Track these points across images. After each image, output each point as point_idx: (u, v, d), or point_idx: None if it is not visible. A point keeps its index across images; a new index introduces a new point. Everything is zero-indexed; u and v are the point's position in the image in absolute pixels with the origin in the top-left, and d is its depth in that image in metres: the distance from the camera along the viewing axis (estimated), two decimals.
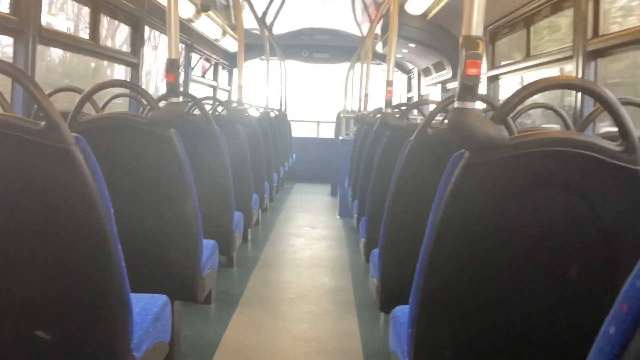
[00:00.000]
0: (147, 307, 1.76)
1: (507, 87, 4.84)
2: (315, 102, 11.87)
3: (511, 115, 3.01)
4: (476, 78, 1.24)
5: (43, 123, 1.27)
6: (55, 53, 4.47)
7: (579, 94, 3.01)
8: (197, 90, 7.31)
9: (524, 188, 1.28)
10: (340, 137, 6.93)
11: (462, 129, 1.24)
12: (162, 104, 2.23)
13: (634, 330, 0.57)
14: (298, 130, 10.06)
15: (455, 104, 1.27)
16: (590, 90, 1.26)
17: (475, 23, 1.26)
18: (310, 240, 5.12)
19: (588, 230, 1.28)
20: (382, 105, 3.67)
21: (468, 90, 1.25)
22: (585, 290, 1.29)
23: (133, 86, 2.45)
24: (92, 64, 4.71)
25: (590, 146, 1.21)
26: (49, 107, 1.27)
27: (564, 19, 3.51)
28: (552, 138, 1.23)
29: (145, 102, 3.35)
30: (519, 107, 3.21)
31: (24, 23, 2.84)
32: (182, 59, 6.23)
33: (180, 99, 2.19)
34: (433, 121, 2.20)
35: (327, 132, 10.23)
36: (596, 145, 1.22)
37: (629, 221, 1.24)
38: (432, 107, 3.39)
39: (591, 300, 1.25)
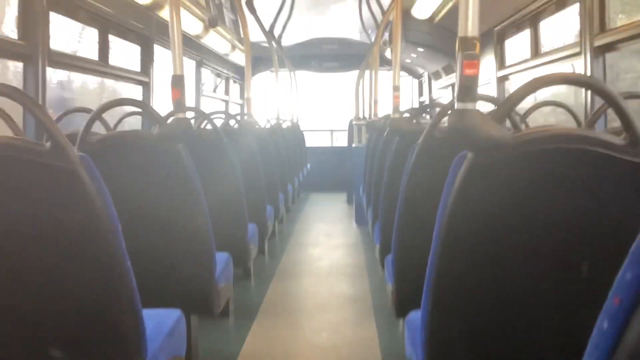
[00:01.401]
0: (160, 322, 1.77)
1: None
2: (328, 111, 11.88)
3: (522, 113, 2.99)
4: (474, 78, 1.24)
5: (48, 144, 1.30)
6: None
7: (589, 90, 2.98)
8: (211, 104, 7.37)
9: (529, 186, 1.27)
10: (353, 145, 6.93)
11: (463, 130, 1.23)
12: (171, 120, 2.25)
13: (626, 324, 0.56)
14: (312, 140, 10.08)
15: (455, 105, 1.26)
16: (591, 85, 1.25)
17: (471, 24, 1.26)
18: (327, 249, 5.11)
19: (596, 226, 1.26)
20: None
21: (467, 90, 1.24)
22: (596, 286, 1.27)
23: (140, 104, 2.48)
24: (112, 84, 4.77)
25: (592, 141, 1.20)
26: (52, 129, 1.29)
27: (571, 15, 3.48)
28: (554, 135, 1.22)
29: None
30: (529, 107, 3.19)
31: (33, 47, 2.89)
32: (193, 75, 6.29)
33: (188, 114, 2.21)
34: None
35: (342, 140, 10.23)
36: (599, 139, 1.21)
37: (636, 215, 1.23)
38: None
39: (602, 296, 1.23)
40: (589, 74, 2.89)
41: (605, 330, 0.59)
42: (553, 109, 4.09)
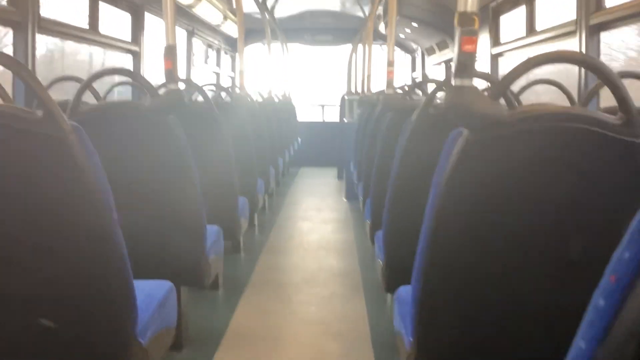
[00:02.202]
0: (151, 293, 1.77)
1: (512, 64, 4.79)
2: (320, 86, 11.82)
3: (516, 91, 2.99)
4: (472, 55, 1.23)
5: (40, 112, 1.28)
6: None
7: (583, 69, 2.98)
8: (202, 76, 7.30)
9: (524, 164, 1.27)
10: (345, 120, 6.91)
11: (459, 107, 1.23)
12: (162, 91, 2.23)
13: (623, 302, 0.56)
14: (303, 115, 10.03)
15: (452, 82, 1.26)
16: (588, 63, 1.25)
17: None
18: (316, 224, 5.13)
19: (590, 206, 1.27)
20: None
21: (464, 67, 1.24)
22: (588, 265, 1.28)
23: (131, 74, 2.44)
24: (102, 53, 4.70)
25: (588, 120, 1.20)
26: (45, 97, 1.27)
27: None
28: (550, 113, 1.22)
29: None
30: (523, 84, 3.18)
31: (23, 14, 2.83)
32: (184, 45, 6.21)
33: (180, 85, 2.18)
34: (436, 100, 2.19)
35: (333, 115, 10.20)
36: (594, 118, 1.21)
37: (631, 195, 1.23)
38: None
39: (594, 276, 1.24)
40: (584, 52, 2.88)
41: (601, 307, 0.59)
42: (545, 86, 4.09)
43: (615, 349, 0.57)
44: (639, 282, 0.55)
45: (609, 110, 1.30)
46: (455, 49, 1.24)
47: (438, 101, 2.29)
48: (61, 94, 3.55)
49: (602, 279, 0.60)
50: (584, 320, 0.62)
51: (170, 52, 2.16)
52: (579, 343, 0.63)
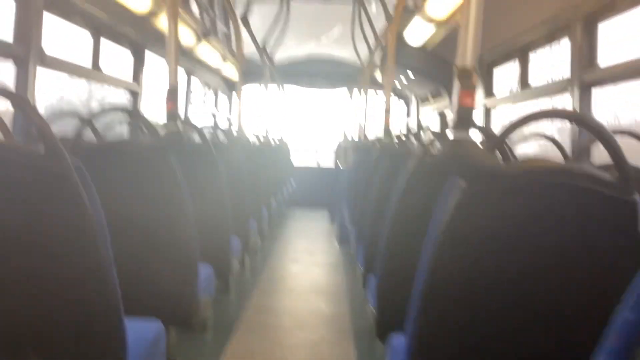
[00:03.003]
0: (142, 332, 1.75)
1: (504, 116, 4.87)
2: (315, 132, 11.91)
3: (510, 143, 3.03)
4: (470, 109, 1.26)
5: (42, 148, 1.29)
6: None
7: (581, 126, 3.03)
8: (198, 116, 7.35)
9: (519, 216, 1.29)
10: (340, 166, 6.95)
11: (457, 158, 1.26)
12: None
13: None
14: (298, 160, 10.10)
15: (451, 135, 1.29)
16: (581, 120, 1.28)
17: (470, 54, 1.28)
18: (308, 267, 5.10)
19: (583, 261, 1.28)
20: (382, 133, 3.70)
21: (463, 120, 1.27)
22: (579, 320, 1.29)
23: (133, 113, 2.47)
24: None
25: (582, 177, 1.23)
26: (48, 134, 1.29)
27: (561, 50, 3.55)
28: (545, 169, 1.25)
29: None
30: (519, 136, 3.24)
31: (26, 50, 2.87)
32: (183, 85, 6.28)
33: (180, 125, 2.21)
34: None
35: (328, 162, 10.26)
36: (588, 175, 1.23)
37: (624, 252, 1.25)
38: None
39: (584, 330, 1.25)
40: (577, 108, 2.94)
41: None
42: (536, 138, 4.15)
43: None
44: None
45: (604, 167, 1.33)
46: (454, 102, 1.27)
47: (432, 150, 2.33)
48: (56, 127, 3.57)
49: (604, 341, 0.61)
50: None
51: (172, 94, 2.20)
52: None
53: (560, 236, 1.27)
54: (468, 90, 1.25)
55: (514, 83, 4.35)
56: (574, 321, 1.28)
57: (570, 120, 1.49)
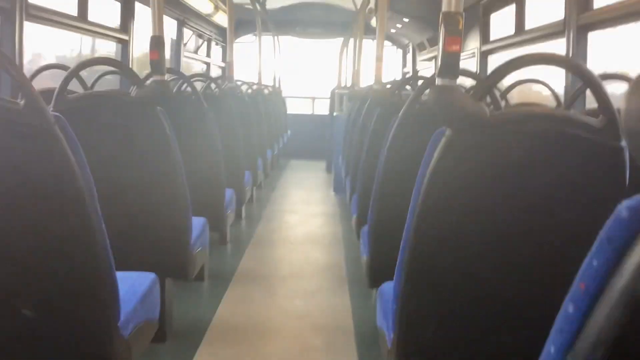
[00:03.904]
0: (134, 285, 1.77)
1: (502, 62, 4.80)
2: (310, 79, 11.77)
3: (502, 91, 3.00)
4: (456, 55, 1.24)
5: (22, 102, 1.27)
6: None
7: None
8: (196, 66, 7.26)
9: (505, 164, 1.28)
10: (335, 114, 6.90)
11: (442, 107, 1.24)
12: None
13: (591, 309, 0.57)
14: (293, 107, 10.02)
15: (437, 81, 1.26)
16: (569, 65, 1.26)
17: None
18: (304, 217, 5.13)
19: (569, 207, 1.28)
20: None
21: (449, 67, 1.24)
22: (565, 267, 1.29)
23: (117, 64, 2.43)
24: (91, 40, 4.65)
25: (569, 122, 1.21)
26: (27, 87, 1.26)
27: None
28: (532, 115, 1.23)
29: None
30: (511, 82, 3.20)
31: (11, 0, 2.80)
32: (174, 36, 6.17)
33: (166, 76, 2.18)
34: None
35: (323, 108, 10.19)
36: (575, 121, 1.22)
37: (609, 198, 1.25)
38: None
39: (570, 277, 1.26)
40: (571, 53, 2.90)
41: (570, 314, 0.60)
42: (535, 85, 4.11)
43: (583, 356, 0.58)
44: (607, 289, 0.56)
45: (593, 112, 1.31)
46: (440, 48, 1.25)
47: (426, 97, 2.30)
48: (51, 84, 3.52)
49: (572, 286, 0.61)
50: (554, 326, 0.63)
51: (156, 43, 2.15)
52: (549, 348, 0.64)
53: (547, 182, 1.27)
54: (454, 37, 1.22)
55: (512, 29, 4.27)
56: (559, 265, 1.29)
57: (558, 65, 1.46)
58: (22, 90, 1.26)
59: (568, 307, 0.61)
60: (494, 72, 1.26)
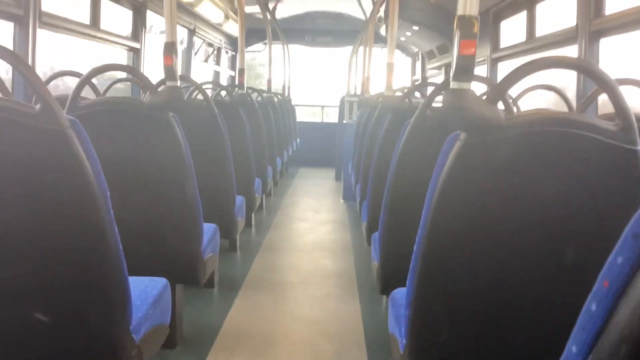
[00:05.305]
0: (146, 290, 1.77)
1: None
2: (320, 86, 11.82)
3: (514, 96, 2.99)
4: (471, 58, 1.23)
5: (38, 106, 1.28)
6: None
7: (582, 75, 2.98)
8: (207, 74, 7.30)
9: (520, 168, 1.27)
10: (344, 121, 6.91)
11: (457, 110, 1.23)
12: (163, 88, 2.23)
13: (614, 307, 0.57)
14: (303, 115, 10.04)
15: (451, 85, 1.26)
16: (586, 69, 1.25)
17: (471, 2, 1.24)
18: (313, 224, 5.13)
19: (584, 211, 1.27)
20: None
21: (463, 71, 1.24)
22: (582, 270, 1.28)
23: (131, 70, 2.44)
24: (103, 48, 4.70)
25: (584, 126, 1.20)
26: (43, 90, 1.27)
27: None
28: (547, 118, 1.22)
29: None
30: (522, 89, 3.19)
31: (25, 8, 2.83)
32: (185, 43, 6.21)
33: (179, 83, 2.18)
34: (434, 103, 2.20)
35: (332, 116, 10.20)
36: (591, 124, 1.21)
37: (626, 201, 1.24)
38: None
39: (588, 280, 1.24)
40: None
41: (593, 312, 0.59)
42: (545, 92, 4.10)
43: (606, 354, 0.57)
44: (630, 287, 0.56)
45: (608, 117, 1.30)
46: (455, 52, 1.24)
47: (437, 104, 2.30)
48: (63, 90, 3.55)
49: (595, 284, 0.60)
50: (576, 325, 0.63)
51: (169, 49, 2.16)
52: (571, 347, 0.63)
53: (562, 186, 1.26)
54: (469, 40, 1.22)
55: (522, 37, 4.27)
56: (575, 268, 1.28)
57: (573, 69, 1.45)
58: (38, 94, 1.27)
59: (591, 305, 0.60)
60: (509, 75, 1.25)
